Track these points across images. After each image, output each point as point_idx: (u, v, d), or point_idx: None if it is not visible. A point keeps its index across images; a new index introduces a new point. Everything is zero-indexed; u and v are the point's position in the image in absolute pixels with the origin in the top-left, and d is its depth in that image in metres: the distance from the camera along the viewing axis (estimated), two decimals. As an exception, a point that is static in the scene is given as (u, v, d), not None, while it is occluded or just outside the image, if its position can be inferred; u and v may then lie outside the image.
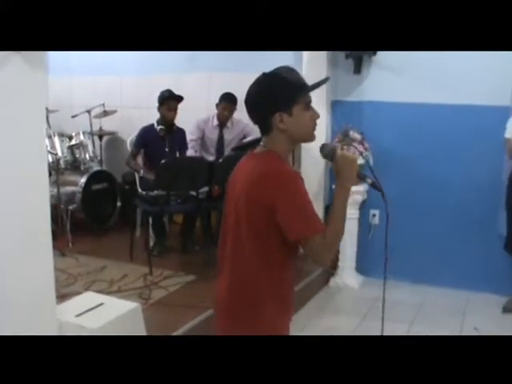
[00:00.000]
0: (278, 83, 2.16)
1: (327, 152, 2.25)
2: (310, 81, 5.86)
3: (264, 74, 2.21)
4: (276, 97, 2.15)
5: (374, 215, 5.87)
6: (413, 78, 5.46)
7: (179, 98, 5.79)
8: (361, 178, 2.26)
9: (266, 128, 2.20)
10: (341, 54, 5.64)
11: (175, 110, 5.82)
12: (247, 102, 2.22)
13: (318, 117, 2.23)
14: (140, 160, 6.04)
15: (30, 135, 2.59)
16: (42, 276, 2.75)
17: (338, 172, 2.20)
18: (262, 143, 2.25)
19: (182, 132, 6.03)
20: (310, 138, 2.26)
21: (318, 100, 5.65)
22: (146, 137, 5.90)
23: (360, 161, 5.26)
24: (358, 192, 5.59)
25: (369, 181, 2.31)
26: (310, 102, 2.21)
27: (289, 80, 2.16)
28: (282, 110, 2.14)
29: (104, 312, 3.30)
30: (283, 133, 2.17)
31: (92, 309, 3.31)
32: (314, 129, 2.24)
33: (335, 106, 5.91)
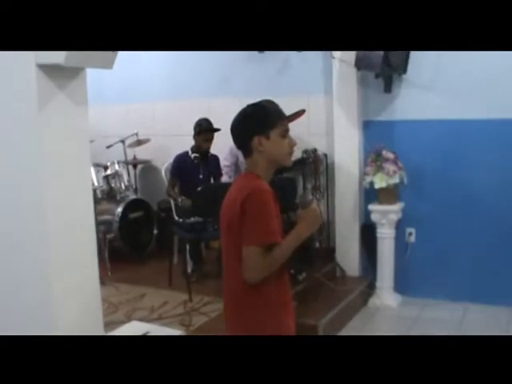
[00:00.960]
0: (257, 110, 2.44)
1: (302, 200, 2.63)
2: (341, 101, 5.90)
3: (247, 105, 2.48)
4: (255, 122, 2.41)
5: (410, 234, 5.84)
6: (444, 95, 5.46)
7: (216, 130, 5.82)
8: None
9: (247, 151, 2.44)
10: (370, 74, 5.66)
11: (211, 140, 5.88)
12: (232, 128, 2.49)
13: (294, 144, 2.47)
14: (176, 190, 6.09)
15: (78, 167, 2.65)
16: (90, 306, 2.79)
17: (306, 219, 2.39)
18: (245, 167, 2.50)
19: (216, 159, 6.07)
20: (286, 160, 2.48)
21: (350, 120, 5.78)
22: (181, 165, 5.96)
23: (395, 180, 5.34)
24: (393, 211, 5.59)
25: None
26: (287, 130, 2.44)
27: (267, 108, 2.45)
28: (260, 133, 2.38)
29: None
30: (262, 154, 2.40)
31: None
32: (290, 155, 2.48)
33: (367, 126, 5.92)
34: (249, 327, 2.43)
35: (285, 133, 2.43)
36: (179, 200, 5.83)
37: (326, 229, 6.11)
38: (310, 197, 2.56)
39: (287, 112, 2.47)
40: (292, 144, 2.46)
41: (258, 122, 2.40)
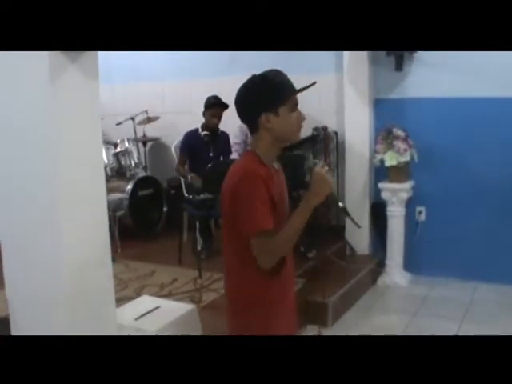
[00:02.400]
0: (265, 85, 2.26)
1: (308, 166, 2.36)
2: (351, 79, 5.84)
3: (253, 76, 2.31)
4: (263, 97, 2.24)
5: (420, 212, 5.84)
6: (456, 73, 5.41)
7: (224, 106, 5.81)
8: (332, 200, 2.30)
9: (253, 128, 2.31)
10: (381, 52, 5.62)
11: (219, 116, 5.87)
12: (236, 102, 2.32)
13: (303, 119, 2.32)
14: (186, 167, 6.10)
15: (89, 143, 2.64)
16: (102, 280, 2.80)
17: (312, 187, 2.23)
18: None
19: (226, 136, 6.07)
20: (294, 136, 2.34)
21: (360, 98, 5.75)
22: (191, 142, 5.97)
23: (405, 158, 5.32)
24: (403, 189, 5.58)
25: (340, 204, 2.39)
26: (296, 103, 2.29)
27: (275, 82, 2.26)
28: (268, 110, 2.23)
29: (161, 315, 3.35)
30: (269, 132, 2.26)
31: (149, 312, 3.36)
32: (299, 129, 2.33)
33: (378, 104, 5.89)
34: (236, 326, 2.40)
35: (294, 107, 2.27)
36: (188, 177, 5.84)
37: (336, 206, 6.09)
38: (314, 160, 2.36)
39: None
40: (301, 118, 2.31)
41: (267, 97, 2.24)
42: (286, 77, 2.30)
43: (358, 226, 2.51)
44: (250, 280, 2.31)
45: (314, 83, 2.37)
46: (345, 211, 2.42)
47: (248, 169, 2.23)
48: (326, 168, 2.25)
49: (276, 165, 2.40)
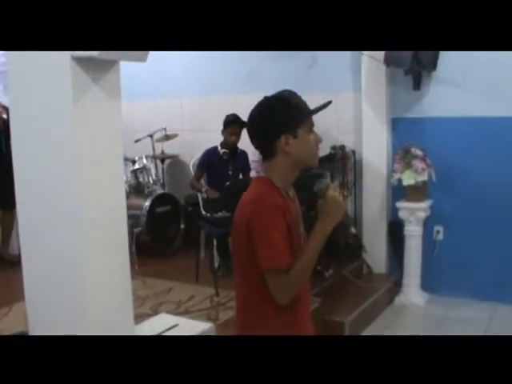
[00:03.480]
0: (283, 106, 2.14)
1: (319, 188, 2.20)
2: (369, 98, 5.88)
3: (267, 98, 2.20)
4: (281, 119, 2.13)
5: (438, 231, 5.81)
6: (473, 92, 5.42)
7: (243, 123, 5.84)
8: (345, 224, 2.25)
9: (269, 153, 2.17)
10: (399, 71, 5.63)
11: (238, 134, 5.91)
12: (250, 126, 2.21)
13: (320, 141, 2.22)
14: (203, 183, 6.13)
15: (111, 160, 2.68)
16: (121, 297, 2.82)
17: (326, 212, 2.12)
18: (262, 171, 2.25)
19: (244, 154, 6.10)
20: (314, 161, 2.23)
21: (378, 117, 5.76)
22: (210, 159, 6.01)
23: (423, 177, 5.32)
24: (420, 209, 5.57)
25: (353, 231, 2.31)
26: (312, 125, 2.19)
27: (293, 102, 2.16)
28: (287, 132, 2.12)
29: (179, 333, 3.36)
30: (288, 156, 2.14)
31: (167, 330, 3.37)
32: (317, 153, 2.23)
33: (395, 123, 5.90)
34: None
35: (311, 128, 2.17)
36: (203, 190, 5.86)
37: (353, 225, 6.10)
38: (326, 181, 2.18)
39: (312, 107, 2.22)
40: (318, 140, 2.20)
41: (286, 118, 2.12)
42: (300, 97, 2.20)
43: (365, 251, 2.45)
44: (268, 316, 2.19)
45: (330, 102, 2.27)
46: (356, 237, 2.39)
47: (266, 197, 2.12)
48: (339, 190, 2.16)
49: (292, 192, 2.29)
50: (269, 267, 2.07)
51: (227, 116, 5.94)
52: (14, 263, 5.20)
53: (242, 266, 2.22)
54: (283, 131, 2.12)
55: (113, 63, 2.63)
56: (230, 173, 5.82)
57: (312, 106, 2.24)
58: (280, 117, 2.13)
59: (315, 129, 2.22)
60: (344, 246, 5.85)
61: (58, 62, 2.45)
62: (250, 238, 2.09)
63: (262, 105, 2.19)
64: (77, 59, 2.44)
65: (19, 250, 2.87)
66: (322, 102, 2.25)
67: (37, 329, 2.80)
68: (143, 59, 2.61)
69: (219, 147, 6.00)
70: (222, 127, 5.97)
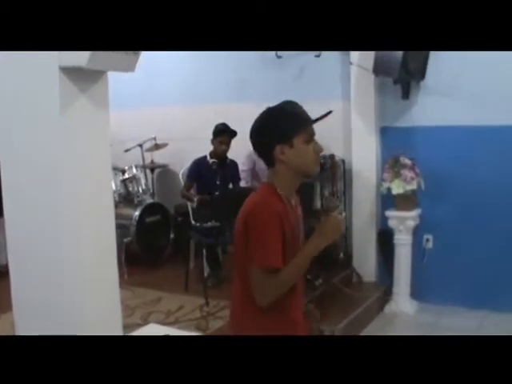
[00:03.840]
0: (279, 116, 2.23)
1: (327, 205, 2.32)
2: (358, 107, 5.85)
3: (268, 108, 2.28)
4: (276, 129, 2.21)
5: (427, 240, 5.82)
6: (462, 101, 5.43)
7: (232, 133, 5.85)
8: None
9: (269, 161, 2.27)
10: (388, 80, 5.65)
11: (228, 144, 5.90)
12: (251, 135, 2.29)
13: (321, 150, 2.27)
14: (193, 192, 6.13)
15: (99, 171, 2.67)
16: (110, 307, 2.81)
17: (324, 229, 2.21)
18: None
19: (234, 164, 6.10)
20: (312, 170, 2.29)
21: (367, 126, 5.78)
22: (199, 169, 6.00)
23: (412, 186, 5.33)
24: (410, 217, 5.57)
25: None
26: (312, 135, 2.25)
27: (289, 112, 2.23)
28: (282, 141, 2.19)
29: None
30: (285, 165, 2.22)
31: (156, 340, 3.35)
32: (316, 161, 2.27)
33: (384, 132, 5.92)
34: None
35: (310, 138, 2.23)
36: (195, 199, 5.84)
37: (343, 235, 6.11)
38: (337, 202, 2.31)
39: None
40: (318, 150, 2.25)
41: (280, 129, 2.20)
42: (301, 108, 2.26)
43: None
44: (265, 314, 2.23)
45: (330, 112, 2.33)
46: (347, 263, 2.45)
47: (266, 201, 2.20)
48: (343, 215, 2.25)
49: (294, 199, 2.35)
50: (260, 264, 2.13)
51: (217, 125, 5.93)
52: (2, 273, 5.18)
53: (240, 267, 2.27)
54: (278, 141, 2.19)
55: (101, 73, 2.63)
56: (219, 182, 5.81)
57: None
58: (275, 127, 2.21)
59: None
60: (334, 255, 5.87)
61: (46, 73, 2.45)
62: (246, 234, 2.17)
63: (261, 115, 2.27)
64: (64, 69, 2.45)
65: (7, 260, 2.86)
66: (311, 111, 2.30)
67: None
68: (131, 69, 2.62)
69: (208, 157, 5.98)
70: (211, 137, 5.96)
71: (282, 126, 2.20)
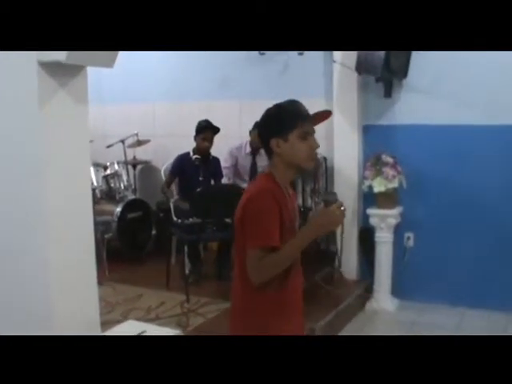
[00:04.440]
0: (278, 111, 2.40)
1: (327, 199, 2.47)
2: (341, 105, 5.83)
3: (273, 105, 2.43)
4: (273, 123, 2.38)
5: (408, 238, 5.85)
6: (444, 100, 5.47)
7: (215, 129, 5.86)
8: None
9: (268, 152, 2.42)
10: (371, 79, 5.67)
11: (210, 140, 5.92)
12: (257, 128, 2.51)
13: (317, 147, 2.40)
14: (174, 187, 6.12)
15: (77, 168, 2.66)
16: (88, 304, 2.80)
17: (321, 219, 2.32)
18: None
19: (216, 161, 6.11)
20: (306, 164, 2.39)
21: (350, 124, 5.79)
22: (182, 165, 6.00)
23: (394, 184, 5.35)
24: (391, 215, 5.59)
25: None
26: (308, 132, 2.37)
27: (287, 109, 2.39)
28: (278, 135, 2.34)
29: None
30: (279, 157, 2.37)
31: (135, 337, 3.34)
32: (310, 157, 2.39)
33: (367, 130, 5.93)
34: (236, 328, 2.46)
35: (305, 135, 2.36)
36: (172, 201, 5.85)
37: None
38: (338, 199, 2.39)
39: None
40: (313, 146, 2.38)
41: (276, 123, 2.37)
42: (299, 106, 2.41)
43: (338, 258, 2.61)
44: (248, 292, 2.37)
45: (330, 112, 2.56)
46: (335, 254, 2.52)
47: (263, 186, 2.34)
48: (344, 212, 2.33)
49: (290, 190, 2.48)
50: (256, 243, 2.24)
51: (200, 122, 5.94)
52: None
53: (239, 253, 2.37)
54: (273, 135, 2.36)
55: (80, 68, 2.62)
56: (201, 179, 5.79)
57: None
58: (273, 120, 2.39)
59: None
60: (315, 252, 5.87)
61: (24, 67, 2.44)
62: (244, 218, 2.30)
63: (265, 110, 2.43)
64: (43, 64, 2.43)
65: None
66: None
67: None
68: (110, 65, 2.60)
69: (191, 153, 5.97)
70: (194, 133, 5.95)
71: (277, 120, 2.37)
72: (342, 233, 5.72)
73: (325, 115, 2.51)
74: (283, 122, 2.35)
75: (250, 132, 6.04)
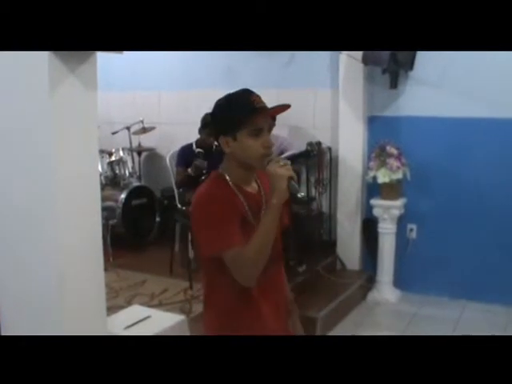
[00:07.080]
0: (223, 107, 2.18)
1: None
2: (346, 95, 5.82)
3: (222, 97, 2.21)
4: (220, 121, 2.18)
5: (411, 229, 5.87)
6: (450, 92, 5.47)
7: None
8: (292, 192, 2.07)
9: (221, 149, 2.21)
10: (377, 70, 5.67)
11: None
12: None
13: (270, 145, 2.14)
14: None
15: (85, 154, 2.68)
16: (94, 289, 2.82)
17: (272, 187, 2.08)
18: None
19: (221, 150, 6.00)
20: (257, 164, 2.15)
21: (355, 115, 5.80)
22: (186, 157, 5.90)
23: (398, 175, 5.36)
24: (395, 207, 5.61)
25: (299, 195, 2.18)
26: (258, 129, 2.11)
27: (234, 104, 2.14)
28: (225, 134, 2.13)
29: (151, 324, 3.38)
30: (230, 155, 2.16)
31: (140, 321, 3.38)
32: (262, 156, 2.12)
33: (372, 121, 5.94)
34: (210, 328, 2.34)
35: (257, 132, 2.10)
36: (189, 170, 5.63)
37: (328, 222, 6.15)
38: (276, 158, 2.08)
39: (295, 106, 2.20)
40: (266, 144, 2.11)
41: (223, 121, 2.15)
42: (251, 97, 2.14)
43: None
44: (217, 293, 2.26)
45: (288, 106, 2.24)
46: (302, 201, 2.30)
47: (203, 192, 2.15)
48: (282, 162, 2.08)
49: (252, 186, 2.27)
50: (215, 251, 2.08)
51: (206, 116, 5.68)
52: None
53: (200, 258, 2.25)
54: (221, 133, 2.16)
55: (89, 54, 2.63)
56: (204, 171, 5.72)
57: (291, 101, 2.24)
58: (220, 118, 2.19)
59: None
60: (318, 242, 5.90)
61: (35, 53, 2.45)
62: (198, 229, 2.14)
63: (215, 103, 2.23)
64: (53, 49, 2.44)
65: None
66: (300, 98, 2.28)
67: (9, 322, 2.79)
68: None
69: (194, 145, 5.84)
70: (199, 122, 5.87)
71: (224, 118, 2.16)
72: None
73: (283, 108, 2.22)
74: (230, 121, 2.11)
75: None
